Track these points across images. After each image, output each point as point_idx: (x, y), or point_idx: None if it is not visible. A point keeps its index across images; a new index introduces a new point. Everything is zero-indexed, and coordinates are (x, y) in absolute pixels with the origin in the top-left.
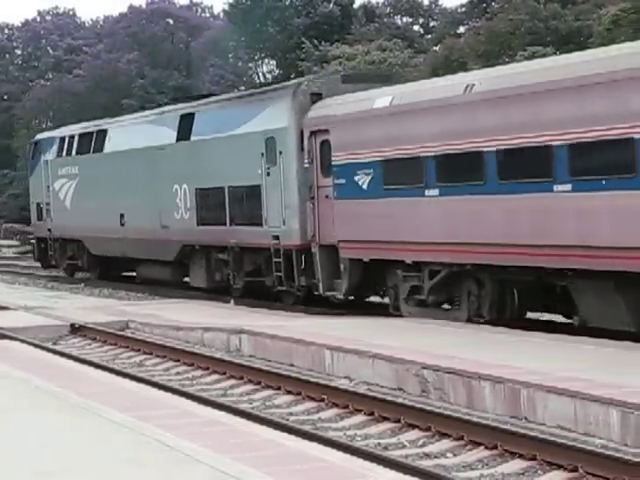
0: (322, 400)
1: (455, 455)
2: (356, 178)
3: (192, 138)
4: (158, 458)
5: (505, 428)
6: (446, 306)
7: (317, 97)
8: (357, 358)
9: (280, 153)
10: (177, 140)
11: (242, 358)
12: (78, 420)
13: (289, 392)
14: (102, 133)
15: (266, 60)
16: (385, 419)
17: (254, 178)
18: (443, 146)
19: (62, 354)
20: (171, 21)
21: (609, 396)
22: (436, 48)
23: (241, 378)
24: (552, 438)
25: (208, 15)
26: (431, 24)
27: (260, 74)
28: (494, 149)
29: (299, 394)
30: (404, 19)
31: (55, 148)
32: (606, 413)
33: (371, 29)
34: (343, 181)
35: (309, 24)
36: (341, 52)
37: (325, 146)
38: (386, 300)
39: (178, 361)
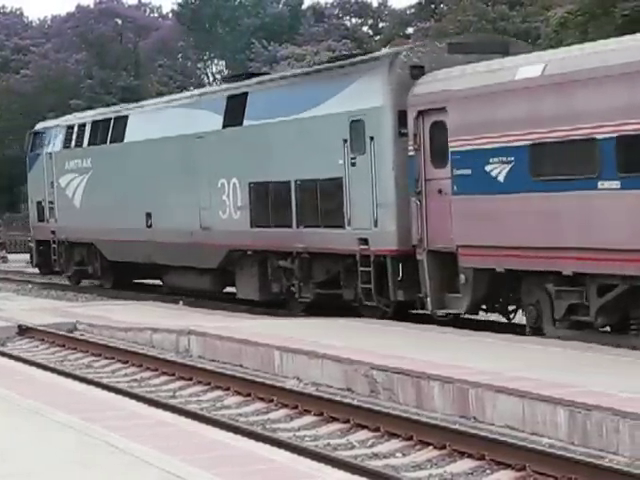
0: (271, 401)
1: (404, 455)
2: (487, 168)
3: (245, 123)
4: (106, 460)
5: (454, 428)
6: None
7: (418, 70)
8: (306, 358)
9: (371, 139)
10: (224, 126)
11: (191, 359)
12: (24, 422)
13: (238, 393)
14: (121, 120)
15: (215, 60)
16: (334, 419)
17: (333, 170)
18: (630, 125)
19: (9, 356)
20: (119, 21)
21: (557, 396)
22: (385, 49)
23: (190, 379)
24: (500, 438)
25: (157, 15)
26: (380, 25)
27: (209, 74)
28: None
29: (248, 395)
30: (353, 20)
31: (61, 138)
32: (554, 413)
33: (320, 30)
34: (467, 172)
35: (258, 25)
36: (290, 52)
37: (437, 129)
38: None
39: (126, 362)
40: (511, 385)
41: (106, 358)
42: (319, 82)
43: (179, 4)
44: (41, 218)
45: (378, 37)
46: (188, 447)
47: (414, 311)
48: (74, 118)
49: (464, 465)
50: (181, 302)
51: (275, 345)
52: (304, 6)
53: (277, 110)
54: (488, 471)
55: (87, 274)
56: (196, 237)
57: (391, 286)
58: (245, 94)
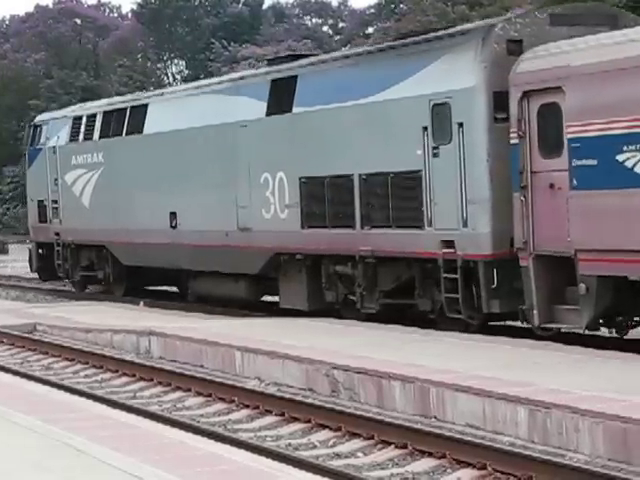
0: (232, 401)
1: (366, 455)
2: (620, 157)
3: (295, 110)
4: (67, 462)
5: (415, 427)
6: None
7: (515, 45)
8: (267, 359)
9: (459, 125)
10: (268, 114)
11: (152, 360)
12: None
13: (199, 394)
14: (140, 109)
15: (175, 61)
16: (296, 419)
17: (410, 161)
18: None
19: None
20: (78, 21)
21: (517, 394)
22: (345, 49)
23: (151, 380)
24: (461, 436)
25: (116, 15)
26: (340, 25)
27: (169, 74)
28: None
29: (209, 396)
30: (313, 20)
31: (67, 131)
32: (514, 411)
33: (280, 30)
34: (591, 162)
35: (218, 25)
36: (250, 53)
37: (549, 112)
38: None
39: (87, 364)
40: (471, 384)
41: (66, 359)
42: (390, 61)
43: (139, 4)
44: (43, 219)
45: (338, 37)
46: (149, 448)
47: (493, 323)
48: (80, 109)
49: (425, 464)
50: (142, 303)
51: (236, 345)
52: (264, 6)
53: (336, 94)
54: (449, 470)
55: (96, 280)
56: (232, 239)
57: (484, 296)
58: (294, 77)
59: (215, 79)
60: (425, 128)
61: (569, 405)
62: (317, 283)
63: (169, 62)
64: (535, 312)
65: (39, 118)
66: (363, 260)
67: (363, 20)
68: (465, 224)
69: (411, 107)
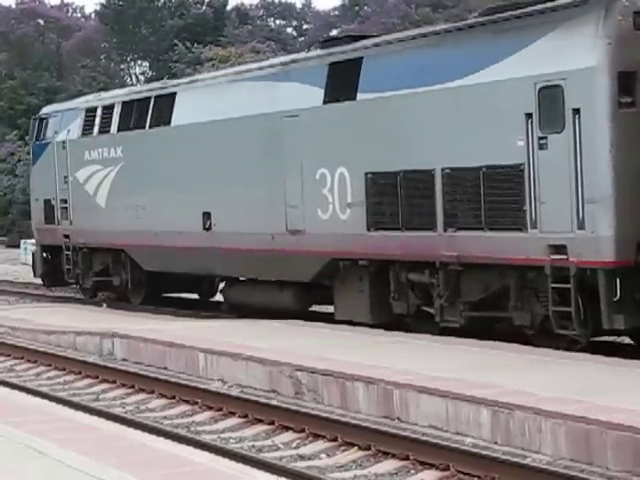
0: (196, 403)
1: (329, 456)
2: None
3: (359, 97)
4: (28, 465)
5: (378, 429)
6: None
7: None
8: (231, 360)
9: (574, 112)
10: (326, 101)
11: (115, 362)
12: None
13: (163, 396)
14: (166, 99)
15: (139, 62)
16: (259, 421)
17: (508, 154)
18: None
19: None
20: (41, 21)
21: (480, 396)
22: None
23: (114, 382)
24: (424, 438)
25: (79, 15)
26: (304, 27)
27: (133, 75)
28: None
29: (173, 397)
30: (277, 21)
31: (78, 124)
32: (477, 412)
33: (244, 31)
34: None
35: (182, 26)
36: (214, 54)
37: None
38: None
39: (49, 366)
40: (434, 385)
41: (29, 361)
42: (483, 39)
43: (102, 4)
44: (50, 220)
45: (302, 39)
46: (112, 450)
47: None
48: (95, 99)
49: (388, 465)
50: (104, 305)
51: (199, 347)
52: (228, 7)
53: (413, 78)
54: (412, 471)
55: (111, 286)
56: (280, 242)
57: (605, 310)
58: (358, 60)
59: (260, 63)
60: (529, 115)
61: (532, 406)
62: (382, 293)
63: (132, 63)
64: None
65: (45, 110)
66: (445, 267)
67: (327, 22)
68: (581, 226)
69: (511, 91)
